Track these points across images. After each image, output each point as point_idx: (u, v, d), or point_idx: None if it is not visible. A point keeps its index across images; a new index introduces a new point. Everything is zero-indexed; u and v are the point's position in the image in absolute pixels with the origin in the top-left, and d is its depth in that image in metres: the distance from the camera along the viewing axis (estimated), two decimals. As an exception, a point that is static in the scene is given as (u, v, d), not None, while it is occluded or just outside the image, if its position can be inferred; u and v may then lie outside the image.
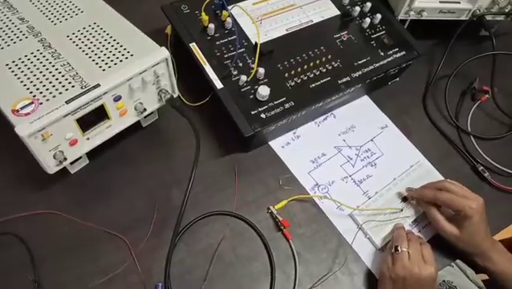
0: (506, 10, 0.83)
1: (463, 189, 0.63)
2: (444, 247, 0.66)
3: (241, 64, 0.67)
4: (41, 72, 0.55)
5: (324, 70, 0.70)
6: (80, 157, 0.60)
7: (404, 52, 0.75)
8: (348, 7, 0.78)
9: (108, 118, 0.57)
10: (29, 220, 0.58)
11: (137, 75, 0.56)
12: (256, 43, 0.67)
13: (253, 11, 0.74)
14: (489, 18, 0.83)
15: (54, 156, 0.54)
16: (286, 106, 0.65)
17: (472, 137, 0.79)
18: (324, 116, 0.76)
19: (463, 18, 0.83)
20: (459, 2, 0.81)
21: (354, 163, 0.72)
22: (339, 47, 0.73)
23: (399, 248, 0.59)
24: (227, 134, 0.69)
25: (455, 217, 0.62)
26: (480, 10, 0.82)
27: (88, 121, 0.55)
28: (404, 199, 0.69)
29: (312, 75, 0.69)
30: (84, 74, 0.55)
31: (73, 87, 0.53)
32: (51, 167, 0.54)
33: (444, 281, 0.81)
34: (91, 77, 0.54)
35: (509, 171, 0.75)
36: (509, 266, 0.64)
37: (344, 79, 0.70)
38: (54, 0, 0.65)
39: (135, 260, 0.57)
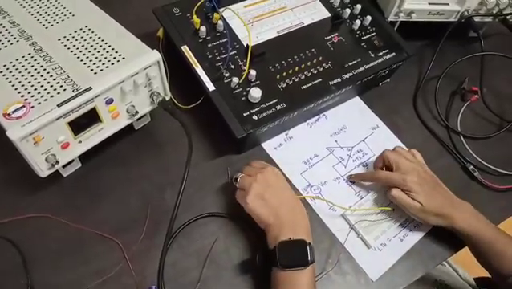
0: (494, 12, 0.84)
1: (400, 155, 0.66)
2: (436, 246, 0.67)
3: (232, 66, 0.68)
4: (32, 76, 0.55)
5: (315, 71, 0.70)
6: (72, 160, 0.60)
7: (394, 53, 0.76)
8: (339, 9, 0.79)
9: (100, 121, 0.57)
10: (21, 224, 0.58)
11: (129, 78, 0.56)
12: (247, 46, 0.68)
13: (245, 14, 0.74)
14: (477, 19, 0.84)
15: (46, 160, 0.54)
16: (278, 107, 0.66)
17: (462, 137, 0.80)
18: (316, 117, 0.77)
19: (452, 19, 0.84)
20: (448, 4, 0.82)
21: (346, 163, 0.73)
22: (329, 49, 0.74)
23: (237, 178, 0.62)
24: (220, 136, 0.69)
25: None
26: (468, 12, 0.83)
27: (80, 124, 0.55)
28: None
29: (303, 77, 0.69)
30: (76, 77, 0.55)
31: (65, 90, 0.53)
32: (43, 170, 0.54)
33: (436, 280, 0.82)
34: (83, 80, 0.54)
35: (498, 170, 0.76)
36: (472, 223, 0.62)
37: (335, 81, 0.70)
38: (45, 3, 0.65)
39: (128, 262, 0.58)
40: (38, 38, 0.60)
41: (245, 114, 0.64)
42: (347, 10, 0.78)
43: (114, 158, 0.66)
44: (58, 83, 0.54)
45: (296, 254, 0.55)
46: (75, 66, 0.56)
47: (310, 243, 0.56)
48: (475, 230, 0.62)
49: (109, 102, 0.56)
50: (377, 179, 0.68)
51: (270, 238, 0.57)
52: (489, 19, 0.86)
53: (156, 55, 0.58)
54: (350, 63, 0.73)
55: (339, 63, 0.73)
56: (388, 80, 0.84)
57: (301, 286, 0.54)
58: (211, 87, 0.65)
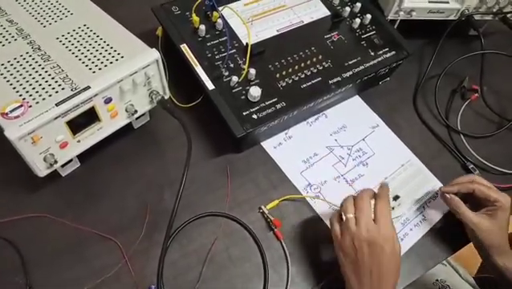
0: (494, 10, 0.84)
1: (490, 184, 0.64)
2: (436, 245, 0.66)
3: (232, 65, 0.68)
4: (30, 75, 0.55)
5: (315, 70, 0.70)
6: (71, 160, 0.60)
7: (394, 52, 0.76)
8: (338, 8, 0.79)
9: (99, 120, 0.57)
10: (19, 223, 0.58)
11: (128, 77, 0.56)
12: (247, 44, 0.67)
13: (244, 12, 0.74)
14: (477, 17, 0.84)
15: (45, 159, 0.53)
16: (278, 106, 0.65)
17: (462, 136, 0.80)
18: (316, 116, 0.77)
19: (452, 17, 0.84)
20: (448, 2, 0.82)
21: (346, 162, 0.72)
22: (329, 48, 0.74)
23: (343, 216, 0.55)
24: (219, 135, 0.69)
25: (486, 210, 0.62)
26: (468, 10, 0.83)
27: (79, 123, 0.55)
28: (396, 198, 0.69)
29: (303, 76, 0.69)
30: (74, 76, 0.55)
31: (63, 89, 0.53)
32: (42, 170, 0.54)
33: (437, 280, 0.82)
34: (82, 79, 0.54)
35: (498, 168, 0.76)
36: None
37: (335, 80, 0.70)
38: (43, 2, 0.64)
39: (127, 262, 0.57)
40: (37, 36, 0.59)
41: (244, 113, 0.64)
42: (347, 9, 0.78)
43: (113, 157, 0.65)
44: (56, 82, 0.54)
45: None
46: (74, 65, 0.56)
47: None
48: None
49: (108, 101, 0.56)
50: (476, 188, 0.62)
51: None
52: (489, 17, 0.86)
53: (155, 54, 0.57)
54: (350, 62, 0.73)
55: (338, 61, 0.72)
56: (388, 79, 0.84)
57: None
58: (210, 85, 0.65)
